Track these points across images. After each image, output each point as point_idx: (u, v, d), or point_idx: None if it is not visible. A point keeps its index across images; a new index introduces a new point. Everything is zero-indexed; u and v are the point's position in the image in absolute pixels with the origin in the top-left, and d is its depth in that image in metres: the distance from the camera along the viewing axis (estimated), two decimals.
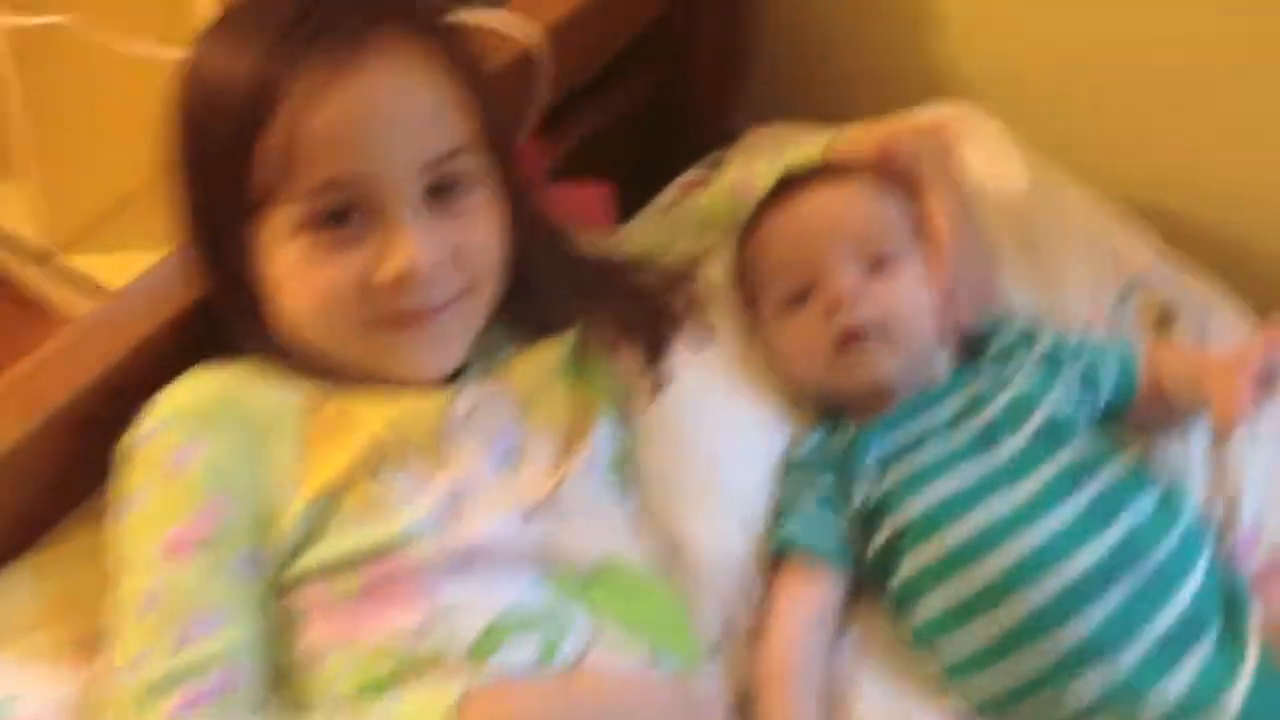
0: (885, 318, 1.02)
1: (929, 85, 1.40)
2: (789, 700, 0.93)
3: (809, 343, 1.03)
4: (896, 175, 1.08)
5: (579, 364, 1.02)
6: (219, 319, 0.96)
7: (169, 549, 0.85)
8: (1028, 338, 1.08)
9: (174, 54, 0.94)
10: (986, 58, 1.39)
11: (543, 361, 1.00)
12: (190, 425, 0.88)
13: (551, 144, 1.30)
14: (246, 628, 0.85)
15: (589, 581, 0.89)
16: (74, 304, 1.62)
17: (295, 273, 0.90)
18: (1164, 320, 1.13)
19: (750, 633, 0.97)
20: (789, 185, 1.10)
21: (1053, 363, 1.05)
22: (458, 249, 0.92)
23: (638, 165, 1.37)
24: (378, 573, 0.86)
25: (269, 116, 0.87)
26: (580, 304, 1.03)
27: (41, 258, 1.62)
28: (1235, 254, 1.28)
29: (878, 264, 1.04)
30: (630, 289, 1.07)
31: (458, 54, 0.95)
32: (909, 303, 1.03)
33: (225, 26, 0.93)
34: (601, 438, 0.98)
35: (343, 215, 0.89)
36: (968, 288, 1.06)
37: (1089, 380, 1.05)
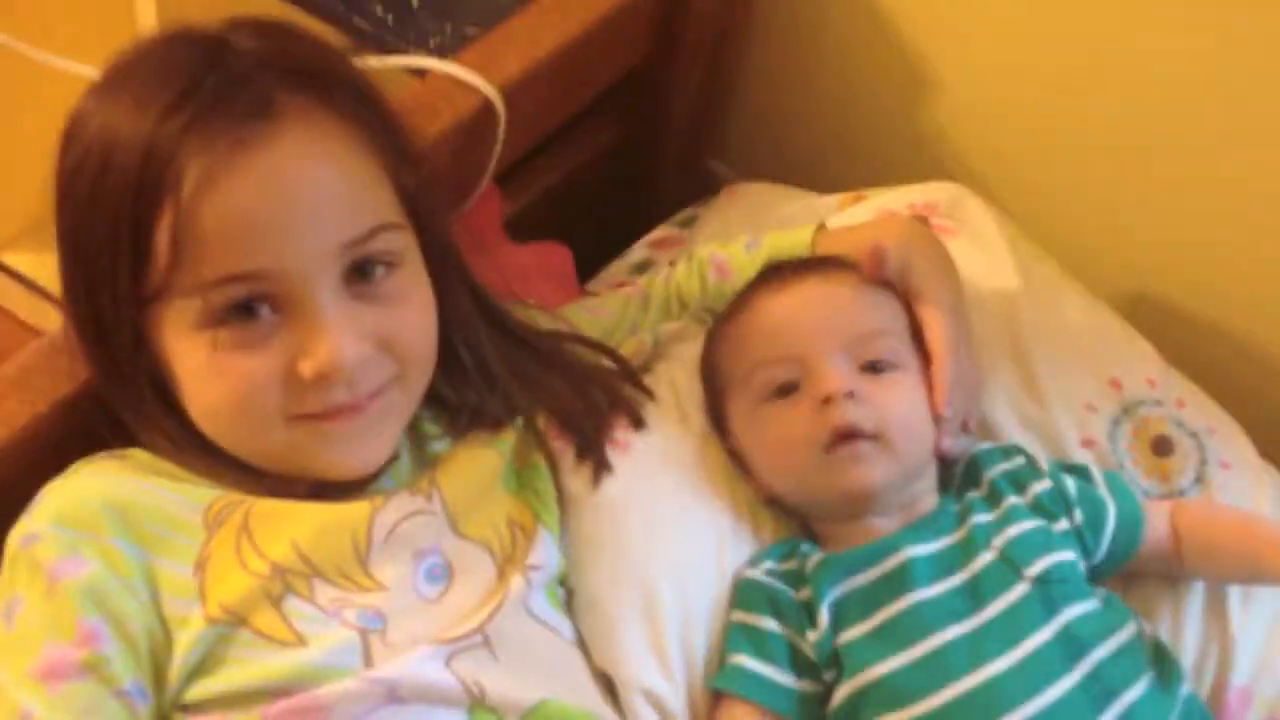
0: (883, 422, 0.93)
1: (914, 153, 1.33)
2: None
3: (794, 438, 0.94)
4: (890, 282, 1.01)
5: (518, 469, 0.94)
6: (110, 407, 0.87)
7: (47, 671, 0.76)
8: (1021, 476, 0.99)
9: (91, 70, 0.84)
10: (975, 130, 1.33)
11: (477, 467, 0.91)
12: (71, 538, 0.79)
13: (512, 197, 1.22)
14: None
15: None
16: (15, 298, 1.56)
17: (202, 372, 0.80)
18: (1161, 449, 1.05)
19: None
20: (781, 271, 1.02)
21: (1049, 511, 0.96)
22: (385, 335, 0.83)
23: (605, 220, 1.31)
24: (283, 710, 0.77)
25: (161, 198, 0.77)
26: (519, 392, 0.94)
27: None
28: (1228, 344, 1.24)
29: (872, 368, 0.96)
30: (573, 374, 0.98)
31: (376, 119, 0.85)
32: (907, 412, 0.95)
33: (118, 82, 0.82)
34: (546, 553, 0.90)
35: (249, 310, 0.80)
36: (958, 411, 0.98)
37: (1084, 537, 0.96)
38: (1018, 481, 0.98)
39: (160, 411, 0.85)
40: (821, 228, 1.07)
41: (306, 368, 0.80)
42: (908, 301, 1.00)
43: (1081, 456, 1.04)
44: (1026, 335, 1.08)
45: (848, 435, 0.93)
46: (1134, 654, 0.90)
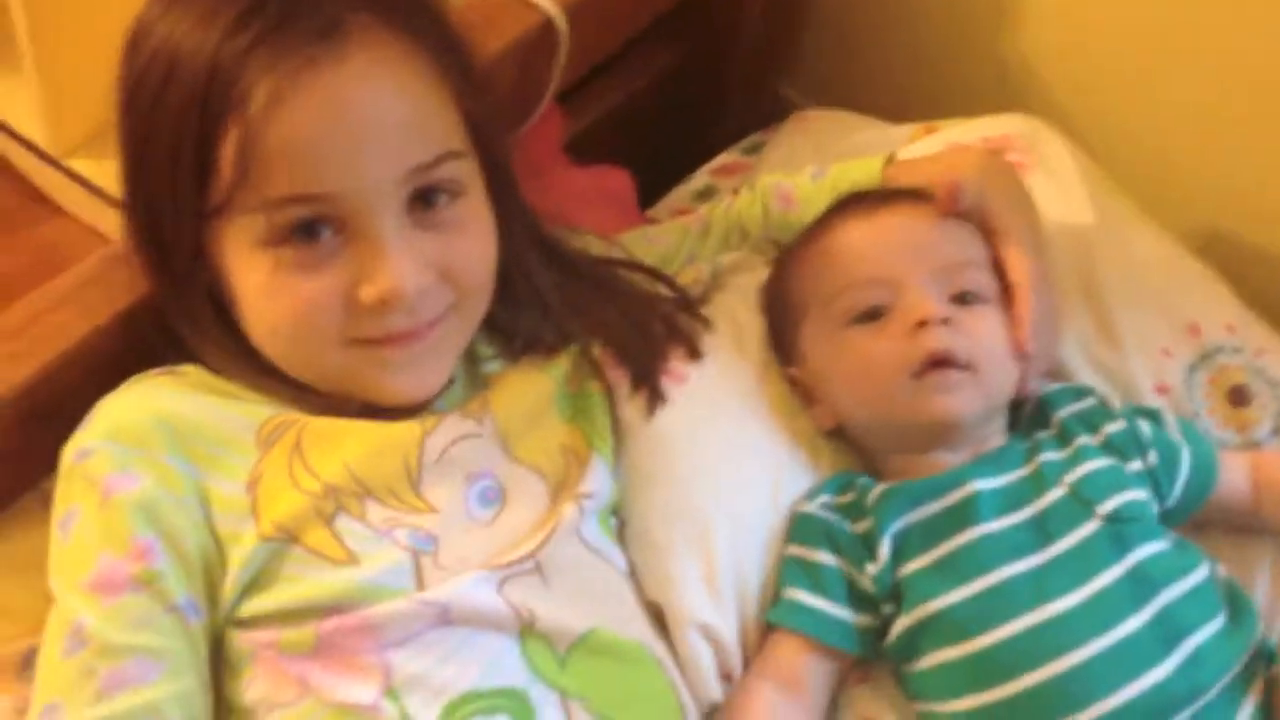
0: (975, 352, 0.92)
1: (993, 83, 1.30)
2: None
3: (881, 363, 0.93)
4: (969, 215, 0.98)
5: (572, 394, 0.93)
6: (168, 321, 0.87)
7: (100, 583, 0.77)
8: (1093, 416, 0.97)
9: None
10: (1056, 61, 1.29)
11: (531, 390, 0.91)
12: (123, 453, 0.79)
13: (573, 118, 1.20)
14: (180, 681, 0.77)
15: (567, 659, 0.82)
16: (78, 202, 1.58)
17: (265, 289, 0.80)
18: (1238, 398, 1.02)
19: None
20: (868, 198, 1.00)
21: (1122, 452, 0.95)
22: (445, 265, 0.82)
23: (668, 144, 1.29)
24: (335, 628, 0.78)
25: (226, 115, 0.76)
26: (572, 318, 0.94)
27: (47, 159, 1.57)
28: None
29: (961, 300, 0.95)
30: (628, 303, 0.97)
31: (445, 43, 0.84)
32: (997, 345, 0.94)
33: None
34: (599, 480, 0.89)
35: (311, 231, 0.79)
36: (1040, 351, 0.96)
37: (1158, 479, 0.95)
38: (1089, 421, 0.96)
39: (217, 327, 0.86)
40: (891, 159, 1.05)
41: (367, 293, 0.79)
42: (990, 238, 0.98)
43: (1155, 403, 1.02)
44: (1101, 275, 1.05)
45: (940, 362, 0.92)
46: (1205, 596, 0.89)
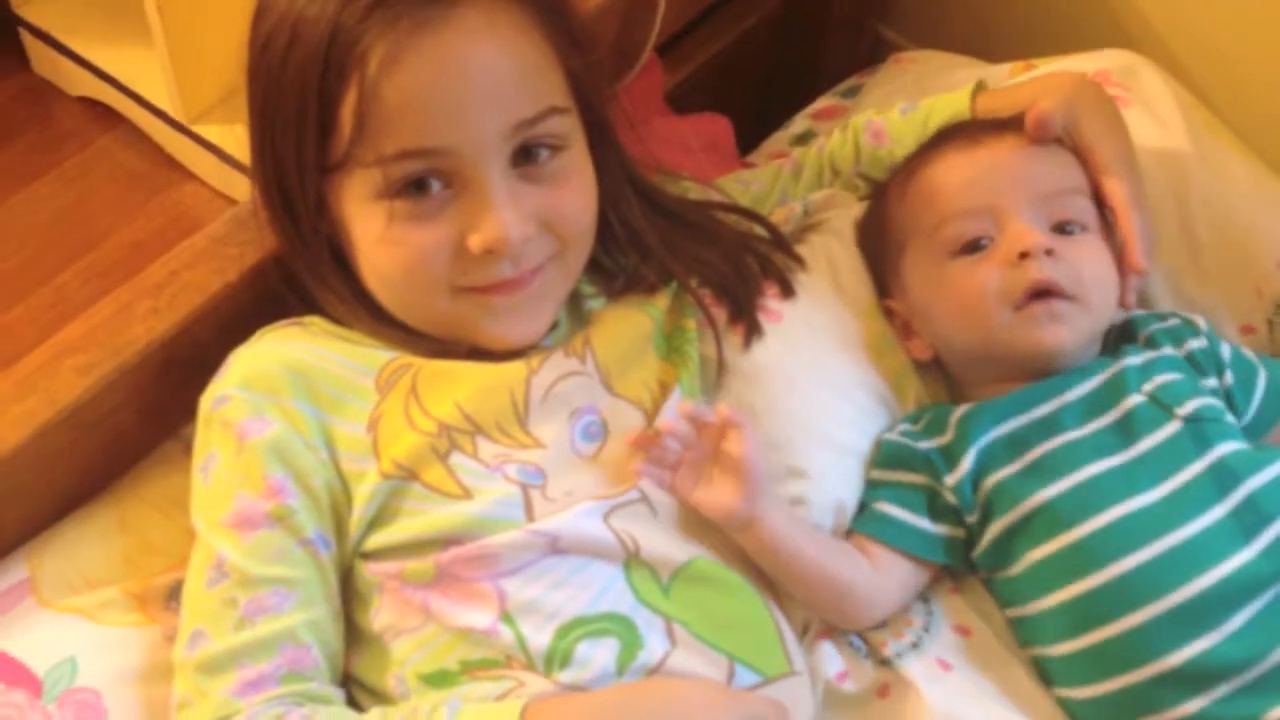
0: (1079, 281, 0.94)
1: (1092, 19, 1.28)
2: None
3: (985, 293, 0.94)
4: (1061, 140, 0.99)
5: (668, 333, 0.97)
6: (292, 273, 0.92)
7: (238, 520, 0.83)
8: (1178, 332, 0.99)
9: None
10: None
11: (630, 328, 0.94)
12: (256, 400, 0.85)
13: (675, 68, 1.23)
14: (313, 609, 0.83)
15: (670, 586, 0.85)
16: (207, 167, 1.65)
17: (380, 239, 0.85)
18: None
19: None
20: (969, 128, 1.01)
21: (1200, 366, 0.96)
22: (548, 216, 0.86)
23: (769, 90, 1.30)
24: (454, 558, 0.83)
25: (345, 74, 0.81)
26: (671, 259, 0.97)
27: (177, 126, 1.64)
28: None
29: (1062, 229, 0.96)
30: (724, 242, 1.00)
31: (548, 3, 0.87)
32: (1101, 272, 0.95)
33: None
34: (670, 410, 0.92)
35: (424, 184, 0.84)
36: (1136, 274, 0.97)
37: (1233, 396, 0.96)
38: (1175, 336, 0.98)
39: (337, 276, 0.90)
40: (980, 87, 1.06)
41: (475, 242, 0.84)
42: (1089, 167, 0.99)
43: (1237, 339, 1.03)
44: (1195, 208, 1.05)
45: (1044, 293, 0.93)
46: None
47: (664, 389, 0.94)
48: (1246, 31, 1.22)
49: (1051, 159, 0.98)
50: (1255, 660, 0.84)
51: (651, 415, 0.92)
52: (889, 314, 1.02)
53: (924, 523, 0.93)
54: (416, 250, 0.85)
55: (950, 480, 0.93)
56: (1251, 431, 0.96)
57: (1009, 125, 1.00)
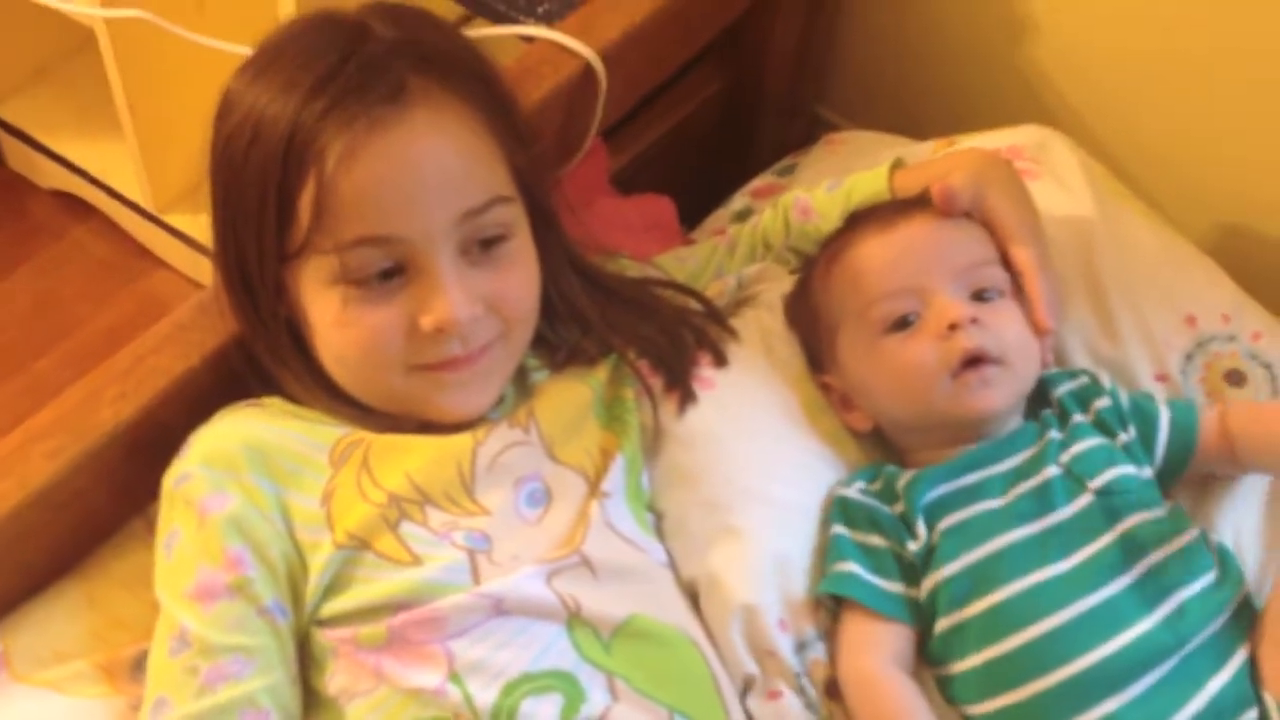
0: (1004, 345, 0.99)
1: (1016, 96, 1.35)
2: None
3: (920, 367, 0.99)
4: (971, 213, 1.05)
5: (608, 401, 1.02)
6: (252, 355, 0.97)
7: (199, 592, 0.87)
8: (1085, 394, 1.04)
9: (244, 49, 0.95)
10: (1075, 73, 1.34)
11: (572, 399, 0.99)
12: (216, 477, 0.90)
13: (619, 152, 1.29)
14: (271, 675, 0.87)
15: (611, 643, 0.90)
16: (177, 254, 1.70)
17: (336, 321, 0.90)
18: (1234, 380, 1.08)
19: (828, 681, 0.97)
20: (885, 211, 1.06)
21: (1108, 427, 1.01)
22: (494, 299, 0.92)
23: (711, 169, 1.36)
24: (405, 622, 0.87)
25: (304, 169, 0.87)
26: (610, 333, 1.03)
27: (147, 215, 1.69)
28: None
29: (980, 297, 1.01)
30: (660, 316, 1.05)
31: (494, 97, 0.94)
32: (1021, 335, 1.00)
33: (267, 63, 0.92)
34: (615, 478, 0.97)
35: (380, 270, 0.89)
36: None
37: (1140, 446, 1.01)
38: (1082, 399, 1.03)
39: (295, 357, 0.96)
40: (897, 164, 1.11)
41: (426, 322, 0.89)
42: (996, 236, 1.04)
43: (1154, 390, 1.08)
44: (1102, 272, 1.10)
45: (975, 360, 0.98)
46: (1194, 555, 0.95)
47: (605, 455, 0.98)
48: (1157, 104, 1.28)
49: (962, 233, 1.03)
50: None
51: (594, 480, 0.97)
52: (825, 389, 1.07)
53: (898, 587, 0.97)
54: (370, 331, 0.90)
55: (913, 546, 0.97)
56: (1164, 476, 1.02)
57: (915, 205, 1.05)
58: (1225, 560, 0.97)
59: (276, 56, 0.92)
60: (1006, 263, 1.03)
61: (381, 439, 0.93)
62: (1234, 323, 1.10)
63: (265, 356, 0.97)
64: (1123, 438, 1.01)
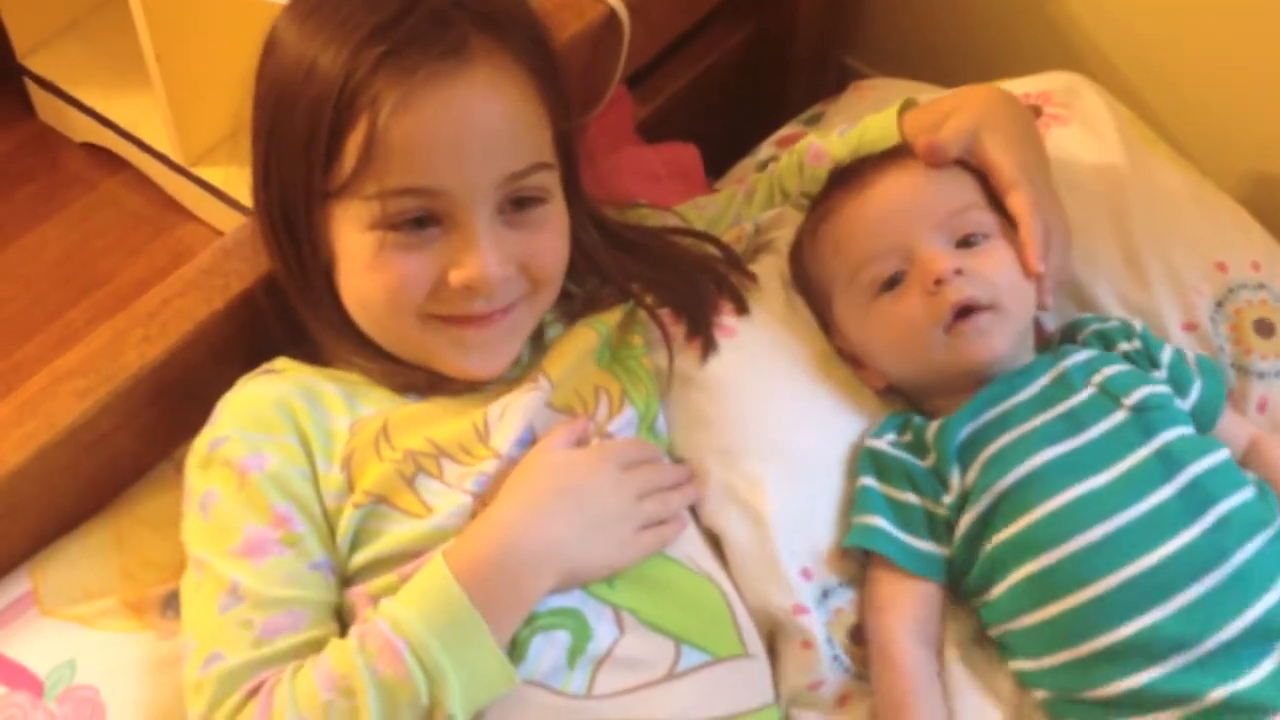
0: (993, 290, 0.98)
1: (1045, 43, 1.34)
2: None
3: (913, 325, 0.98)
4: (960, 159, 1.03)
5: (613, 346, 1.02)
6: (280, 297, 0.98)
7: (249, 548, 0.87)
8: (1116, 334, 1.04)
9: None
10: (1105, 18, 1.33)
11: (577, 346, 0.99)
12: (252, 439, 0.90)
13: (645, 100, 1.28)
14: (325, 627, 0.87)
15: (614, 577, 0.90)
16: (207, 207, 1.71)
17: (367, 265, 0.90)
18: (1263, 330, 1.07)
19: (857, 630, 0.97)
20: (857, 171, 1.06)
21: (1136, 364, 1.01)
22: (525, 259, 0.92)
23: (739, 118, 1.35)
24: (412, 570, 0.87)
25: (357, 113, 0.87)
26: (628, 282, 1.03)
27: (176, 168, 1.71)
28: None
29: (966, 242, 1.00)
30: (680, 264, 1.05)
31: (548, 63, 0.94)
32: (1010, 276, 0.99)
33: (319, 3, 0.91)
34: (623, 427, 0.97)
35: (417, 221, 0.89)
36: (1053, 266, 1.01)
37: (1176, 385, 1.01)
38: (1108, 338, 1.03)
39: (326, 299, 0.95)
40: (907, 104, 1.10)
41: (455, 277, 0.90)
42: (984, 171, 1.02)
43: (1182, 339, 1.07)
44: (1133, 218, 1.09)
45: (966, 310, 0.98)
46: (1230, 471, 0.95)
47: (604, 392, 0.98)
48: (1188, 49, 1.27)
49: (942, 180, 1.02)
50: (1201, 636, 0.88)
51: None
52: (838, 352, 1.06)
53: (930, 546, 0.97)
54: (399, 276, 0.90)
55: (946, 499, 0.97)
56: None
57: (890, 159, 1.04)
58: (1261, 484, 0.97)
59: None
60: (1002, 207, 1.02)
61: (400, 411, 0.93)
62: (1265, 270, 1.09)
63: (296, 298, 0.97)
64: (1156, 375, 1.00)
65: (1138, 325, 1.04)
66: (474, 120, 0.88)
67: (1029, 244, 0.99)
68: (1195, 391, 1.02)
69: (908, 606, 0.95)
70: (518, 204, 0.92)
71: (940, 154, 1.02)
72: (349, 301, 0.94)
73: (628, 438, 0.96)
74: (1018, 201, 1.00)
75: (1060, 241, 1.02)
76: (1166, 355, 1.03)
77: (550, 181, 0.93)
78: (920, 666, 0.94)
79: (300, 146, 0.89)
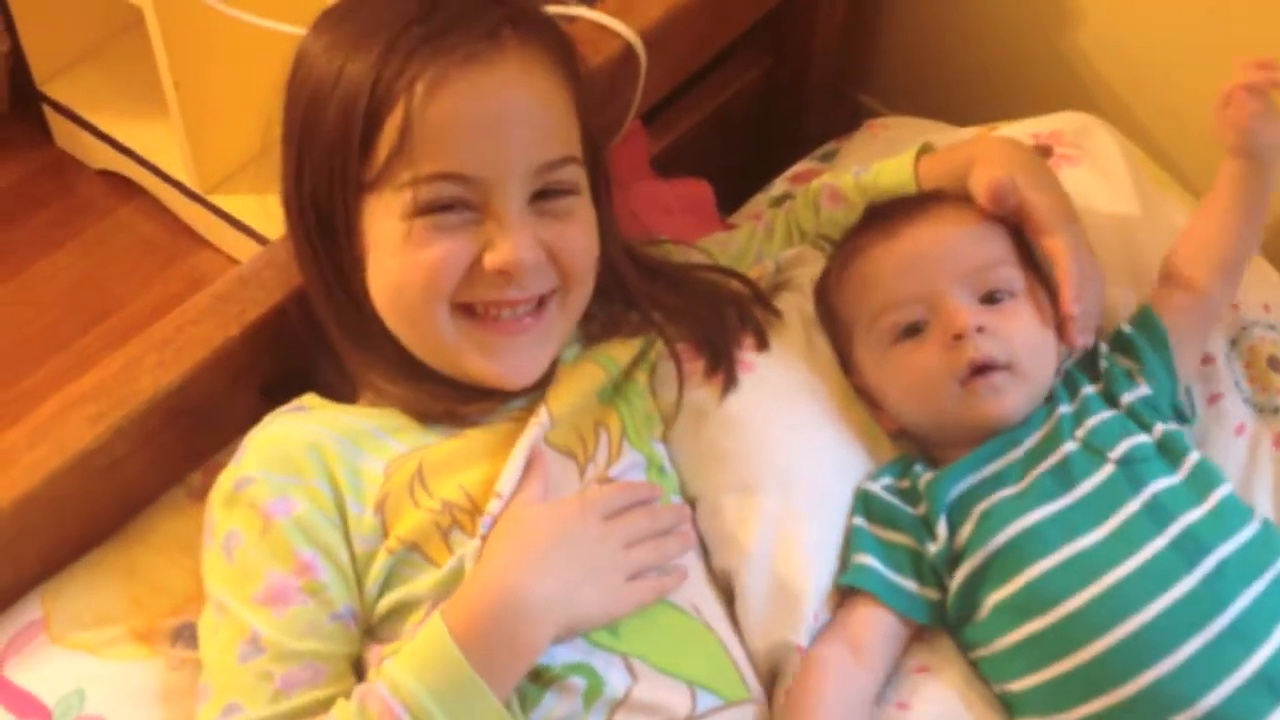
0: (1012, 351, 0.99)
1: (1057, 81, 1.34)
2: None
3: (929, 376, 0.99)
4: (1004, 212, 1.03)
5: (618, 382, 1.01)
6: (313, 314, 0.97)
7: (270, 596, 0.86)
8: (1085, 368, 1.04)
9: (295, 29, 0.96)
10: (1116, 57, 1.34)
11: (581, 386, 0.98)
12: (279, 482, 0.89)
13: (659, 135, 1.29)
14: (346, 682, 0.87)
15: (618, 627, 0.89)
16: (222, 235, 1.72)
17: (399, 250, 0.90)
18: (1276, 365, 1.07)
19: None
20: (889, 216, 1.06)
21: (1111, 396, 1.01)
22: (556, 247, 0.92)
23: (753, 154, 1.36)
24: (419, 624, 0.87)
25: (394, 97, 0.87)
26: (653, 309, 1.03)
27: (193, 196, 1.72)
28: None
29: (990, 299, 1.01)
30: (705, 295, 1.05)
31: (573, 61, 0.96)
32: (1032, 337, 1.00)
33: (344, 16, 0.93)
34: (626, 470, 0.97)
35: (450, 206, 0.89)
36: (1087, 309, 1.01)
37: (1144, 374, 1.02)
38: (1088, 368, 1.04)
39: (352, 307, 0.95)
40: (924, 150, 1.10)
41: (490, 260, 0.90)
42: (1018, 219, 1.03)
43: (1199, 373, 1.07)
44: (1146, 260, 1.10)
45: (983, 368, 0.98)
46: (1226, 513, 0.95)
47: (604, 429, 0.98)
48: (1201, 90, 1.26)
49: (970, 235, 1.02)
50: (1203, 691, 0.88)
51: (582, 460, 0.96)
52: (857, 390, 1.06)
53: (912, 584, 0.97)
54: (435, 257, 0.89)
55: (933, 548, 0.97)
56: (1169, 383, 1.02)
57: (921, 206, 1.05)
58: (1266, 523, 0.97)
59: (356, 8, 0.93)
60: (1031, 258, 1.02)
61: (434, 452, 0.92)
62: (1274, 312, 1.09)
63: (322, 308, 0.96)
64: (1128, 397, 1.01)
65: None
66: (507, 105, 0.89)
67: (1065, 284, 0.99)
68: (1148, 351, 1.03)
69: (870, 634, 0.95)
70: (548, 195, 0.92)
71: (1008, 198, 1.01)
72: (379, 295, 0.93)
73: (617, 484, 0.95)
74: (1054, 244, 1.01)
75: (1094, 284, 1.02)
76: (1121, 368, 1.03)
77: (580, 177, 0.94)
78: (845, 689, 0.93)
79: (335, 138, 0.90)
